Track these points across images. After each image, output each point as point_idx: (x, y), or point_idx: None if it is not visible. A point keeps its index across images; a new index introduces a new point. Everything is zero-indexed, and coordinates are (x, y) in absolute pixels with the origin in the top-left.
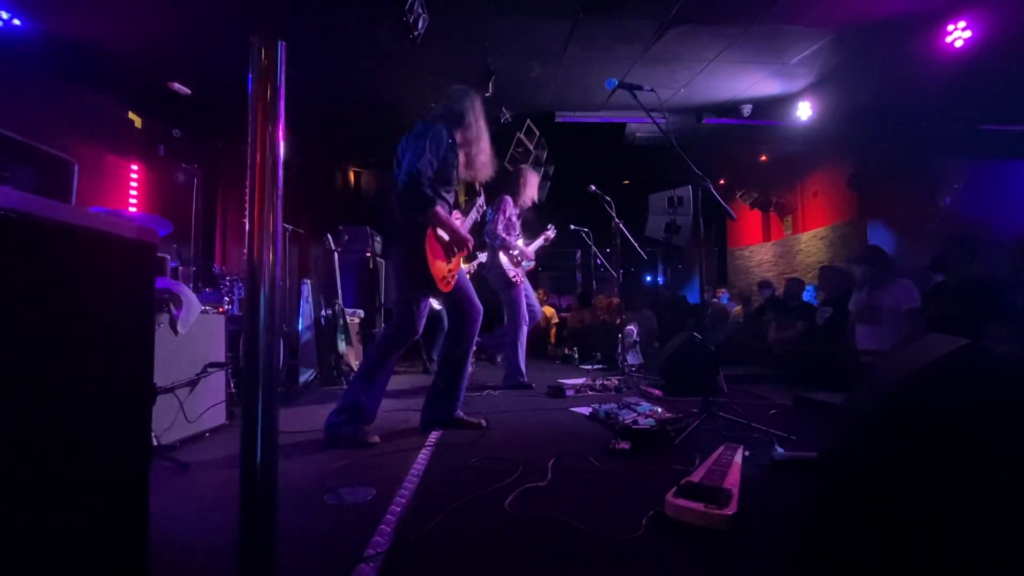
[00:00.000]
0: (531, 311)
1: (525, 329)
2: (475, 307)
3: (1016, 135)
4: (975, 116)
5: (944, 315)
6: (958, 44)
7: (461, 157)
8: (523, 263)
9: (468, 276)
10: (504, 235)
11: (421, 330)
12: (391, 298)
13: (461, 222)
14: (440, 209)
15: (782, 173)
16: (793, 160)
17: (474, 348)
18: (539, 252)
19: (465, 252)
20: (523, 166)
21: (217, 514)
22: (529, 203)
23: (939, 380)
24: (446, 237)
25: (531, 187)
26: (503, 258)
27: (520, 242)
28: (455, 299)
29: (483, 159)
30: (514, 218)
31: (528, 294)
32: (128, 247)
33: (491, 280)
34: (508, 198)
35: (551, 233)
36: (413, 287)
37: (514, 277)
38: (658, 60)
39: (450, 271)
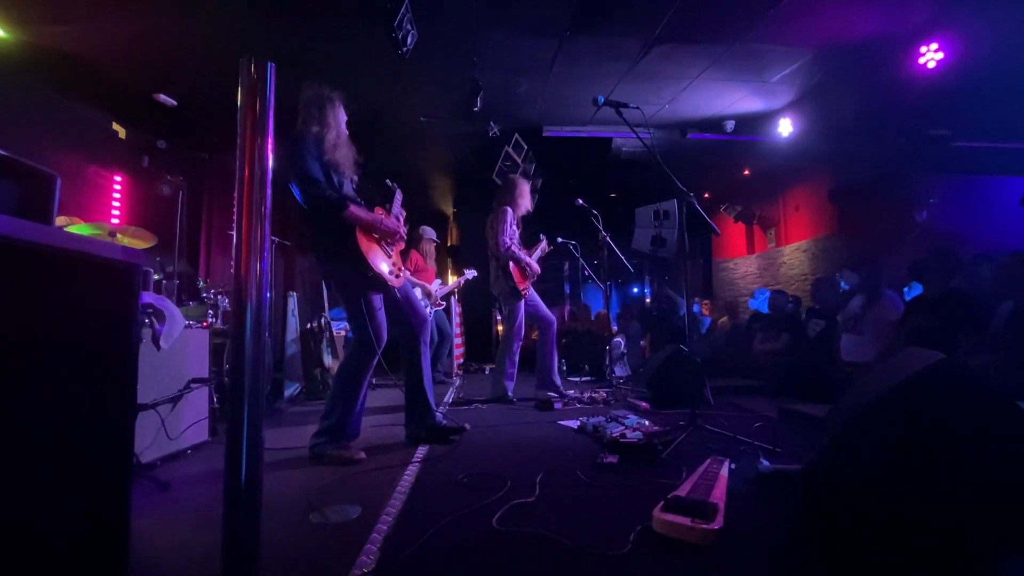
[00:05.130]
0: (546, 319)
1: (518, 344)
2: (419, 315)
3: (988, 152)
4: (949, 134)
5: (921, 327)
6: (931, 65)
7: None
8: (530, 275)
9: (458, 289)
10: (515, 247)
11: (384, 339)
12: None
13: (385, 215)
14: (356, 208)
15: (765, 187)
16: (775, 175)
17: (429, 354)
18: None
19: (402, 244)
20: (512, 176)
21: (199, 534)
22: (525, 211)
23: (916, 394)
24: (376, 235)
25: (526, 195)
26: (512, 270)
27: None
28: (399, 311)
29: (339, 156)
30: (516, 229)
31: (537, 303)
32: (114, 268)
33: (496, 292)
34: (508, 208)
35: (545, 244)
36: (361, 293)
37: (523, 290)
38: (643, 77)
39: (394, 264)
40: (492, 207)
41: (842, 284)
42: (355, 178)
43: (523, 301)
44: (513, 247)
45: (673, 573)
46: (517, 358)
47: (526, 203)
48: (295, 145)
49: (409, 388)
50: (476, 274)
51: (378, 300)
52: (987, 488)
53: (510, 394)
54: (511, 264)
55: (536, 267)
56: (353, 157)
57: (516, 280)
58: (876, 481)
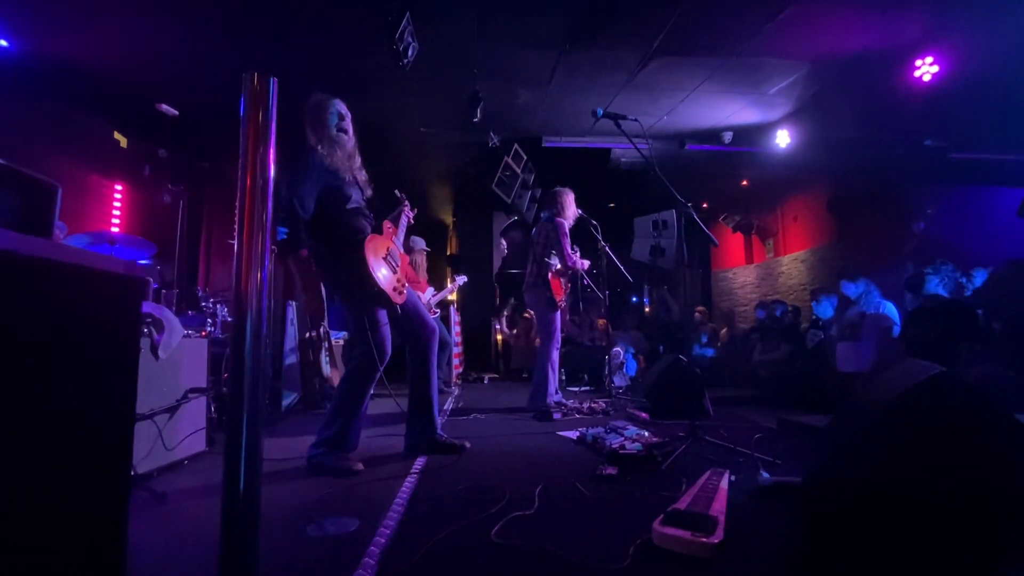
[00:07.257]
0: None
1: (557, 353)
2: (428, 327)
3: (983, 163)
4: (945, 145)
5: (921, 337)
6: (926, 78)
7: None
8: (567, 288)
9: (453, 295)
10: (580, 265)
11: (388, 354)
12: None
13: (393, 231)
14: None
15: (763, 198)
16: (773, 185)
17: (435, 365)
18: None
19: (407, 258)
20: (558, 189)
21: (196, 547)
22: (573, 220)
23: (914, 407)
24: (382, 253)
25: (572, 206)
26: (552, 280)
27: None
28: (408, 322)
29: (356, 166)
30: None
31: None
32: (115, 281)
33: (528, 298)
34: (563, 221)
35: (586, 264)
36: (365, 308)
37: (560, 301)
38: (642, 89)
39: (399, 280)
40: (539, 218)
41: (851, 289)
42: (369, 192)
43: (560, 312)
44: (579, 265)
45: None
46: (557, 364)
47: (573, 212)
48: (303, 169)
49: (414, 399)
50: (466, 279)
51: (383, 315)
52: (987, 499)
53: (550, 407)
54: (550, 274)
55: (579, 271)
56: (365, 176)
57: (554, 291)
58: (877, 493)
